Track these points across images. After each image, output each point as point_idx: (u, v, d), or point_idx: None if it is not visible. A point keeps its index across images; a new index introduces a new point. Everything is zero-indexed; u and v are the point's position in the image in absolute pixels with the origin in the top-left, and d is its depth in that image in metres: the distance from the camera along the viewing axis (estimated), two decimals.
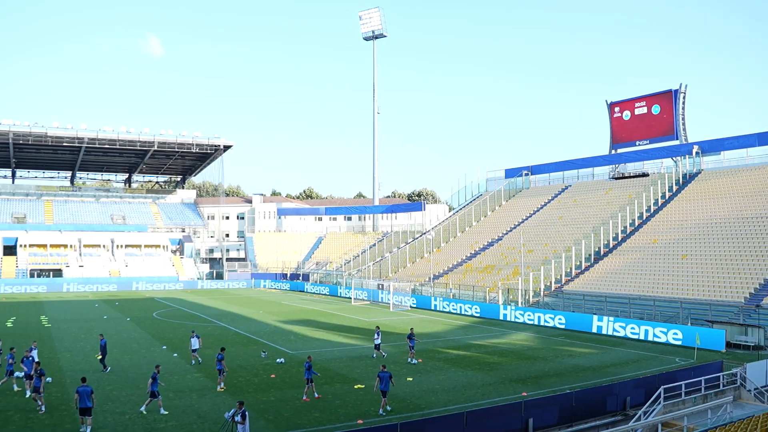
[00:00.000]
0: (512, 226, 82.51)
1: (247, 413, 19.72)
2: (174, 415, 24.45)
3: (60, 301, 74.56)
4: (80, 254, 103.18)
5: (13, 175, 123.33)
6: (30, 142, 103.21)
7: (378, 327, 39.69)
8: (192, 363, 33.03)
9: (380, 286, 73.70)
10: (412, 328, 37.94)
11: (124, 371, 32.52)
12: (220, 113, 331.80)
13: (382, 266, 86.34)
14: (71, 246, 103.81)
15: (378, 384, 25.33)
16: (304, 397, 26.93)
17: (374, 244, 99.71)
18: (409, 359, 35.17)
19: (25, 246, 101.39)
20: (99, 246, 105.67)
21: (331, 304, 71.18)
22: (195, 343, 33.54)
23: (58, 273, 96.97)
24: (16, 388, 28.37)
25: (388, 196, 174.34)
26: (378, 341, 36.95)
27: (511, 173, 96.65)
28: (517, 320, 54.71)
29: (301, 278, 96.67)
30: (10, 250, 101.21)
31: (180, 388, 28.87)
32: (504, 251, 75.05)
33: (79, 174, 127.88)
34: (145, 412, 24.50)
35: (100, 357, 33.36)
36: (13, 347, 30.95)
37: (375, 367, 33.71)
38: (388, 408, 25.30)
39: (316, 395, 27.22)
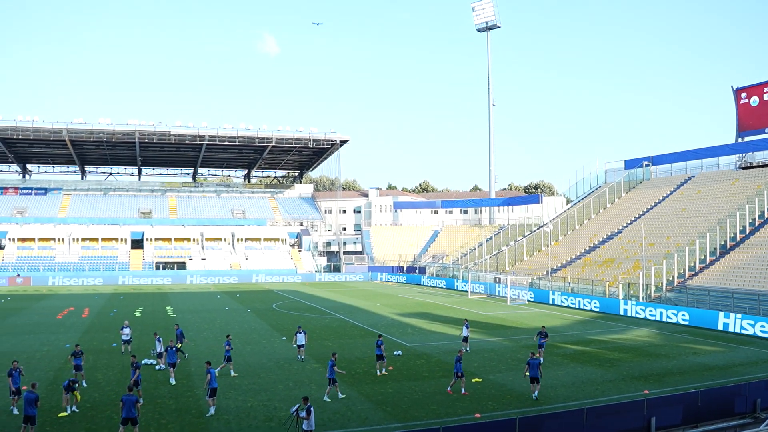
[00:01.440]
0: (632, 219, 79.99)
1: (312, 409, 19.61)
2: (293, 404, 24.62)
3: (184, 293, 77.11)
4: (202, 247, 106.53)
5: (140, 173, 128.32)
6: (155, 141, 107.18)
7: (466, 320, 39.16)
8: (299, 358, 33.08)
9: (497, 280, 72.83)
10: (543, 326, 36.95)
11: (246, 361, 33.19)
12: (336, 108, 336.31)
13: (498, 259, 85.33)
14: (194, 239, 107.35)
15: (527, 370, 26.08)
16: (448, 389, 26.87)
17: (491, 237, 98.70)
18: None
19: (151, 240, 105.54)
20: (220, 239, 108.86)
21: (447, 298, 70.84)
22: (301, 338, 33.46)
23: (181, 265, 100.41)
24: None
25: (505, 189, 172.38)
26: (466, 334, 36.30)
27: (631, 164, 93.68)
28: (637, 316, 52.94)
29: (417, 271, 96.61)
30: (138, 243, 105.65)
31: (299, 379, 29.26)
32: (624, 244, 72.83)
33: (200, 170, 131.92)
34: (328, 400, 25.35)
35: (179, 345, 34.17)
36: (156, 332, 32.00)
37: (492, 360, 33.33)
38: (535, 394, 25.76)
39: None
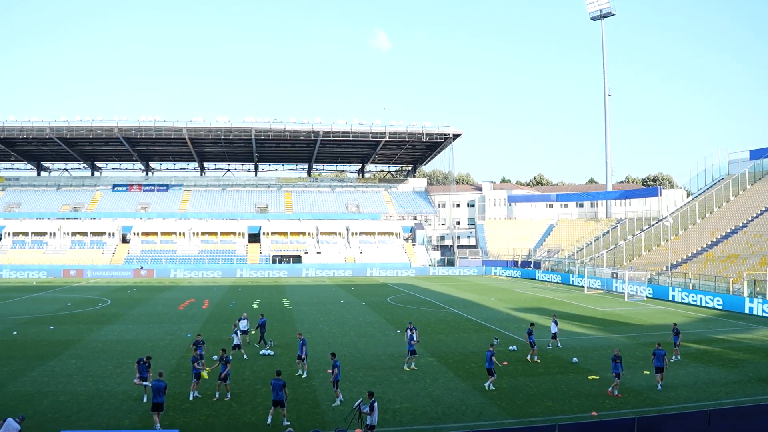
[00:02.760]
0: (758, 212, 76.13)
1: (375, 404, 19.31)
2: (408, 397, 24.58)
3: (300, 285, 78.27)
4: (318, 241, 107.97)
5: (256, 168, 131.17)
6: (270, 137, 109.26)
7: (555, 315, 37.92)
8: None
9: (614, 275, 70.77)
10: (675, 324, 35.47)
11: (360, 353, 33.26)
12: (449, 102, 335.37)
13: (615, 254, 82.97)
14: (309, 233, 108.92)
15: (653, 360, 26.17)
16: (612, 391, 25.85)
17: (607, 231, 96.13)
18: (675, 357, 32.23)
19: (267, 234, 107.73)
20: (335, 233, 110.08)
21: (562, 293, 69.34)
22: (412, 336, 32.71)
23: (297, 259, 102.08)
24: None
25: (621, 182, 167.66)
26: (555, 330, 35.06)
27: (756, 154, 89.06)
28: (764, 314, 50.09)
29: (532, 266, 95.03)
30: (255, 237, 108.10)
31: (415, 372, 29.05)
32: (749, 239, 69.44)
33: (315, 166, 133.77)
34: (492, 388, 25.76)
35: (261, 334, 35.40)
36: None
37: (609, 358, 32.01)
38: (659, 385, 25.61)
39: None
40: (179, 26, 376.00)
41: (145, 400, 23.97)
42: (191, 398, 24.38)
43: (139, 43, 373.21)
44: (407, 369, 29.47)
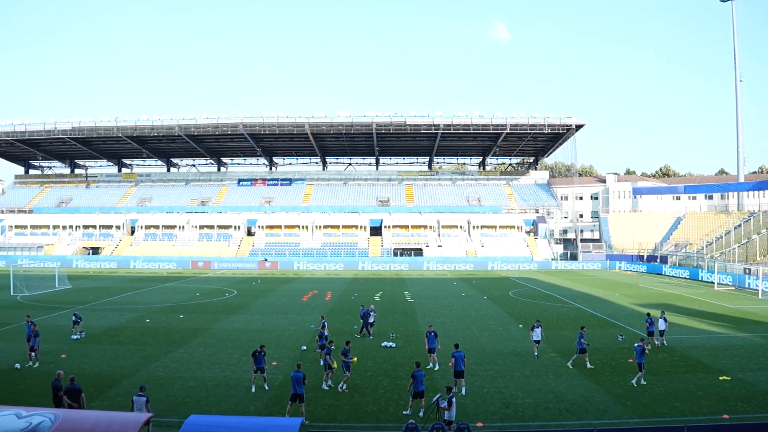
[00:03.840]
0: None
1: (454, 399, 18.95)
2: (530, 392, 24.11)
3: (421, 279, 78.30)
4: (439, 234, 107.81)
5: (377, 162, 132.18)
6: (391, 131, 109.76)
7: (663, 311, 35.98)
8: (535, 355, 31.63)
9: (747, 271, 67.50)
10: None
11: (482, 347, 32.88)
12: (570, 93, 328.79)
13: (748, 249, 79.04)
14: (430, 227, 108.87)
15: None
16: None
17: (739, 225, 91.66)
18: None
19: (389, 227, 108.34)
20: (456, 227, 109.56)
21: (691, 289, 66.52)
22: (537, 334, 31.36)
23: (418, 252, 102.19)
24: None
25: (755, 172, 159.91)
26: (663, 327, 33.33)
27: None
28: None
29: (658, 260, 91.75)
30: (376, 230, 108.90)
31: (536, 367, 28.46)
32: None
33: (435, 159, 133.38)
34: (644, 383, 25.44)
35: (362, 324, 35.87)
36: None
37: (742, 358, 30.45)
38: None
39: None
40: (299, 24, 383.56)
41: (267, 388, 24.46)
42: (325, 387, 24.83)
43: (260, 41, 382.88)
44: (572, 366, 28.58)
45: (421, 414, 21.18)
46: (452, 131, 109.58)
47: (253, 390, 24.34)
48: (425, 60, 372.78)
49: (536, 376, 26.77)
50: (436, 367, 28.20)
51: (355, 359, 25.96)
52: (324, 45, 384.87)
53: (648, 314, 34.27)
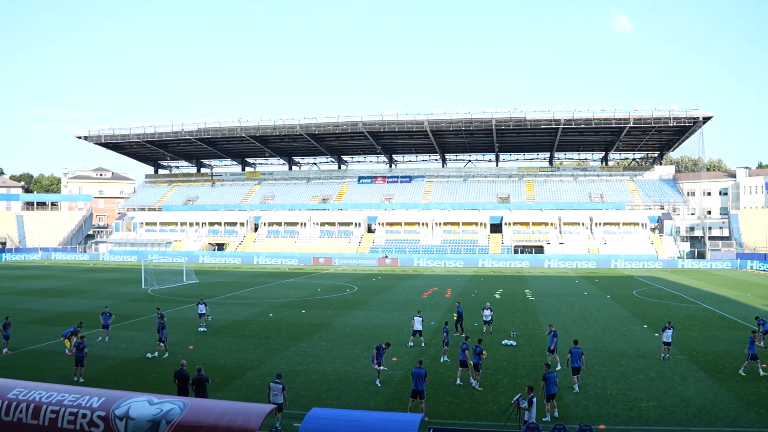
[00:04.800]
0: None
1: (534, 400, 18.44)
2: (655, 395, 23.34)
3: (542, 276, 77.22)
4: (560, 232, 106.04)
5: (497, 159, 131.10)
6: (510, 127, 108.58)
7: (758, 317, 33.79)
8: (662, 357, 30.24)
9: None
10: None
11: (605, 348, 32.09)
12: (697, 84, 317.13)
13: None
14: (551, 224, 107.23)
15: None
16: None
17: None
18: None
19: (509, 224, 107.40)
20: (578, 224, 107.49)
21: None
22: (668, 335, 29.79)
23: (539, 249, 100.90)
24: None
25: None
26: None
27: None
28: None
29: None
30: (496, 227, 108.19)
31: (662, 370, 27.48)
32: None
33: (556, 154, 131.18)
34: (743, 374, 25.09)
35: (456, 319, 35.69)
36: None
37: None
38: None
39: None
40: (416, 20, 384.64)
41: (377, 384, 24.70)
42: (458, 383, 24.84)
43: (379, 39, 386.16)
44: (744, 374, 27.46)
45: (556, 414, 20.83)
46: (573, 126, 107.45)
47: (378, 384, 24.54)
48: (544, 54, 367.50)
49: (661, 378, 25.87)
50: (558, 367, 27.72)
51: (485, 353, 25.82)
52: (442, 41, 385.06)
53: (756, 317, 32.49)
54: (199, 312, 39.38)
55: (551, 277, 76.03)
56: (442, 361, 29.00)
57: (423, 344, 32.74)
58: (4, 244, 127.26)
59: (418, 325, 32.88)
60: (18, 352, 30.85)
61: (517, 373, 26.81)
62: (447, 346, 29.45)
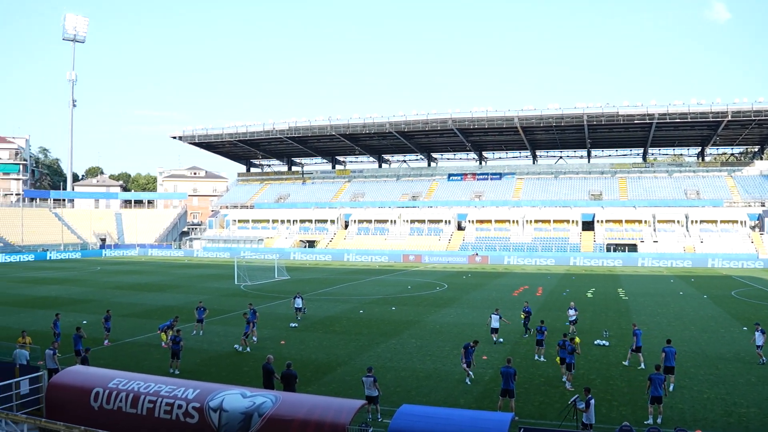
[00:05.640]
0: None
1: (593, 401, 17.96)
2: (755, 401, 22.52)
3: (635, 275, 75.51)
4: (654, 230, 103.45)
5: (588, 155, 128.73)
6: (602, 123, 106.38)
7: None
8: (760, 362, 28.40)
9: None
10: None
11: (702, 350, 31.21)
12: None
13: None
14: (645, 221, 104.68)
15: None
16: None
17: None
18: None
19: (601, 221, 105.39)
20: (673, 221, 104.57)
21: None
22: (759, 338, 28.50)
23: (632, 248, 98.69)
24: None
25: None
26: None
27: None
28: None
29: None
30: (588, 225, 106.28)
31: (764, 374, 26.49)
32: None
33: (650, 150, 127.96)
34: None
35: (523, 318, 35.17)
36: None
37: None
38: None
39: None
40: (506, 17, 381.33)
41: (468, 382, 24.59)
42: (569, 386, 24.51)
43: (468, 36, 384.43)
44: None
45: (659, 420, 20.22)
46: (668, 120, 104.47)
47: (468, 383, 24.40)
48: (637, 46, 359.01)
49: (763, 384, 24.95)
50: (640, 366, 27.29)
51: (579, 351, 25.66)
52: (531, 36, 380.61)
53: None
54: (295, 306, 40.50)
55: (645, 276, 74.27)
56: (536, 359, 28.69)
57: (499, 341, 33.02)
58: (104, 240, 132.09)
59: (495, 322, 33.06)
60: (118, 344, 31.96)
61: (610, 374, 26.34)
62: (542, 346, 29.00)
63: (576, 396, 19.41)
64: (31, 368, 21.71)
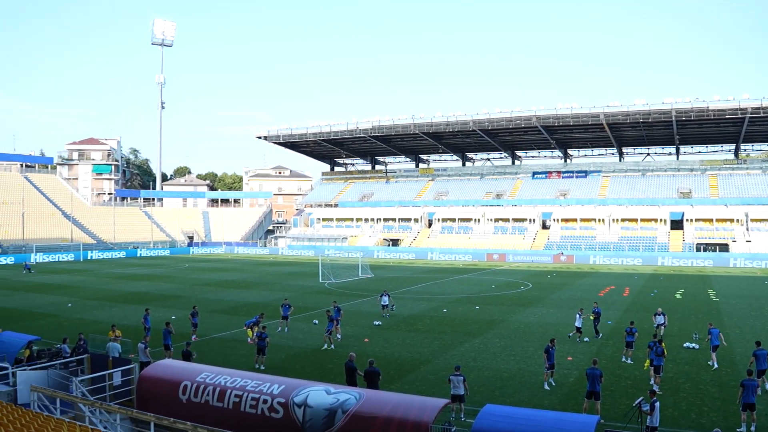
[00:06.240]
0: None
1: (658, 404, 17.48)
2: None
3: (726, 276, 73.31)
4: (747, 229, 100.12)
5: (677, 151, 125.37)
6: (692, 118, 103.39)
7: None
8: None
9: None
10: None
11: None
12: None
13: None
14: (737, 220, 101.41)
15: None
16: None
17: None
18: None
19: (690, 220, 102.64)
20: (767, 220, 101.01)
21: None
22: None
23: (723, 247, 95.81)
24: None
25: None
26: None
27: None
28: None
29: None
30: (677, 224, 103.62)
31: None
32: None
33: (742, 146, 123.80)
34: None
35: (593, 320, 33.95)
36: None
37: None
38: None
39: None
40: (592, 13, 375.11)
41: (546, 387, 24.22)
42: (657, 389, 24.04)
43: (549, 32, 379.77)
44: None
45: (753, 428, 19.49)
46: (761, 115, 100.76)
47: (546, 387, 24.05)
48: (729, 37, 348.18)
49: None
50: (715, 366, 26.65)
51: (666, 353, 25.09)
52: (616, 32, 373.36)
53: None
54: (382, 303, 40.76)
55: (737, 278, 71.98)
56: (623, 361, 28.11)
57: (583, 339, 32.55)
58: (191, 238, 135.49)
59: (578, 322, 32.78)
60: (205, 339, 32.74)
61: (700, 378, 25.62)
62: (632, 348, 28.33)
63: (641, 398, 18.97)
64: (123, 361, 22.54)
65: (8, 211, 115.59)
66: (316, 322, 38.75)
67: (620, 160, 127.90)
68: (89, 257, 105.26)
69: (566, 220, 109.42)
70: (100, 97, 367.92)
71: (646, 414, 17.98)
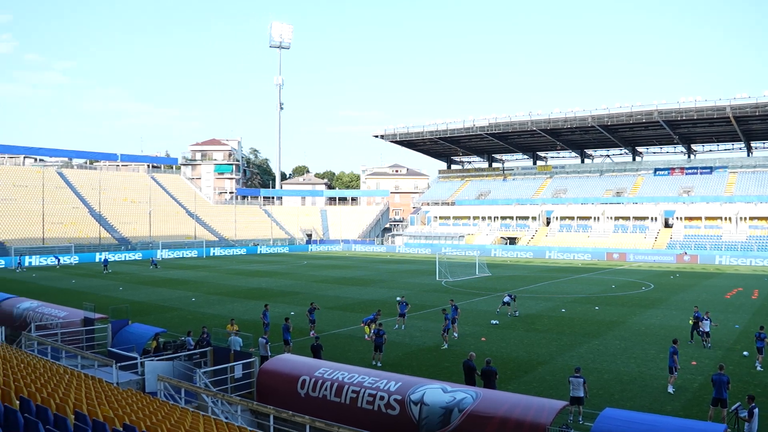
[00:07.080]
0: None
1: (756, 410, 16.45)
2: None
3: None
4: None
5: None
6: None
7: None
8: None
9: None
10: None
11: None
12: None
13: None
14: None
15: None
16: None
17: None
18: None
19: None
20: None
21: None
22: None
23: None
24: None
25: None
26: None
27: None
28: None
29: None
30: None
31: None
32: None
33: None
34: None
35: (692, 324, 32.56)
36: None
37: None
38: None
39: None
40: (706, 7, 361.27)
41: (671, 390, 23.47)
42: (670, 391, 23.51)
43: (674, 23, 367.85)
44: None
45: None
46: None
47: (671, 391, 23.32)
48: None
49: None
50: (759, 368, 25.85)
51: None
52: (738, 23, 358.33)
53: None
54: (503, 300, 40.75)
55: None
56: (755, 367, 26.96)
57: (707, 346, 31.21)
58: (310, 236, 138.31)
59: (706, 326, 31.52)
60: (322, 335, 33.32)
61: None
62: (762, 353, 27.08)
63: (738, 404, 18.24)
64: (243, 354, 23.30)
65: (136, 210, 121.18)
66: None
67: (749, 155, 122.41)
68: (211, 254, 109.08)
69: (690, 219, 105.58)
70: (222, 100, 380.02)
71: (744, 420, 17.31)
